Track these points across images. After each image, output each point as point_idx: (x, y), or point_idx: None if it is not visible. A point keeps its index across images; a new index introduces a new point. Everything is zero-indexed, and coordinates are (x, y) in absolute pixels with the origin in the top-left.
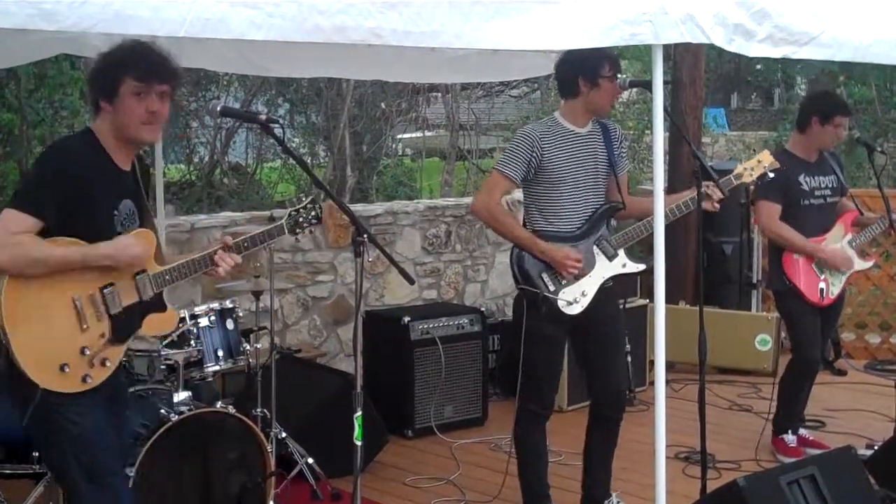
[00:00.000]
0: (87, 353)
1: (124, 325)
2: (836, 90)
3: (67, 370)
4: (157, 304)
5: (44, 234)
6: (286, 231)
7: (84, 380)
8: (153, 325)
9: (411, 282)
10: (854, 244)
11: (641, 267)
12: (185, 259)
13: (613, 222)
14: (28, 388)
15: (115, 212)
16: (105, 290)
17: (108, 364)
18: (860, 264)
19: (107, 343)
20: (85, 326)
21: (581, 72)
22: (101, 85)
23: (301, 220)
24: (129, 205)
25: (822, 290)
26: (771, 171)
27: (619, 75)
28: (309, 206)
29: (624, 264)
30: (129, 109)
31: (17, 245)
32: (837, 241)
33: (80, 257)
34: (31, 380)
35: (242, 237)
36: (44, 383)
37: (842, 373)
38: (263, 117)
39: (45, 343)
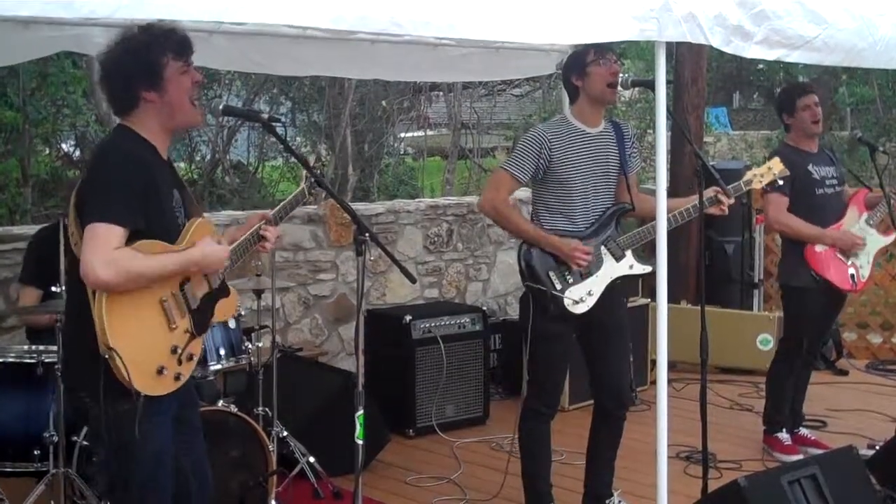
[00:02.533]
0: (178, 351)
1: (203, 316)
2: (837, 90)
3: (165, 372)
4: (223, 290)
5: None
6: (307, 194)
7: (177, 378)
8: (222, 310)
9: (413, 280)
10: (872, 222)
11: (648, 269)
12: (236, 243)
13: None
14: (125, 400)
15: (174, 204)
16: (184, 287)
17: (193, 358)
18: (883, 240)
19: (191, 337)
20: (173, 326)
21: (571, 71)
22: (144, 76)
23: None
24: (177, 194)
25: (852, 275)
26: (780, 178)
27: (620, 76)
28: (317, 164)
29: (631, 265)
30: (180, 89)
31: (120, 262)
32: (854, 222)
33: (175, 268)
34: (134, 390)
35: (276, 208)
36: (146, 390)
37: (843, 372)
38: (265, 116)
39: (144, 351)
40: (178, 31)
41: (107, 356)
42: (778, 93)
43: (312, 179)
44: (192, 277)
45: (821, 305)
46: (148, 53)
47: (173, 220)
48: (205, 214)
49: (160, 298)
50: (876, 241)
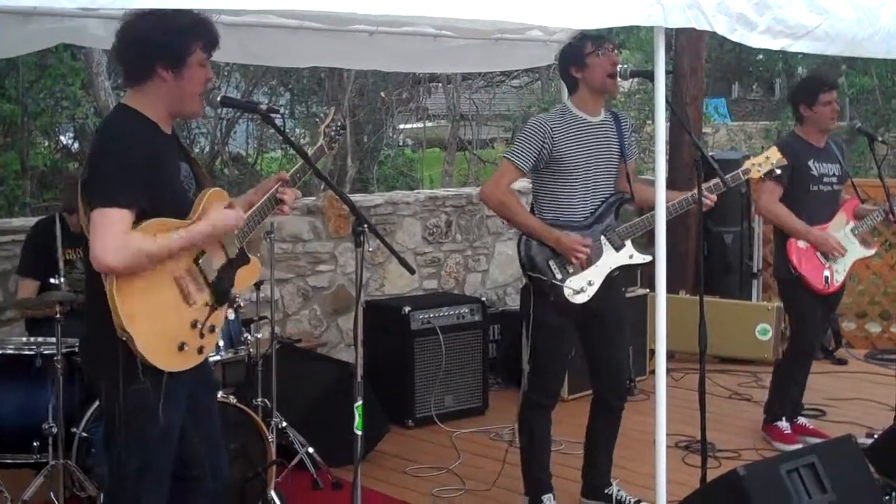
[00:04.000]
0: (198, 325)
1: (222, 287)
2: (836, 80)
3: (187, 348)
4: (243, 258)
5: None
6: (325, 150)
7: (200, 351)
8: (243, 279)
9: (412, 271)
10: (857, 232)
11: (648, 258)
12: (254, 208)
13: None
14: (146, 379)
15: (183, 176)
16: (200, 261)
17: (215, 330)
18: (862, 252)
19: (211, 310)
20: (191, 301)
21: (569, 62)
22: (167, 54)
23: (333, 133)
24: (185, 167)
25: (826, 277)
26: (778, 167)
27: (619, 66)
28: (334, 117)
29: (631, 255)
30: (195, 79)
31: (129, 246)
32: (840, 229)
33: (182, 244)
34: (156, 368)
35: (294, 169)
36: (169, 367)
37: (842, 362)
38: (264, 107)
39: (163, 329)
40: (215, 28)
41: (124, 338)
42: (799, 83)
43: (333, 132)
44: (208, 249)
45: (811, 298)
46: (181, 34)
47: (183, 193)
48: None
49: (175, 275)
50: (856, 251)
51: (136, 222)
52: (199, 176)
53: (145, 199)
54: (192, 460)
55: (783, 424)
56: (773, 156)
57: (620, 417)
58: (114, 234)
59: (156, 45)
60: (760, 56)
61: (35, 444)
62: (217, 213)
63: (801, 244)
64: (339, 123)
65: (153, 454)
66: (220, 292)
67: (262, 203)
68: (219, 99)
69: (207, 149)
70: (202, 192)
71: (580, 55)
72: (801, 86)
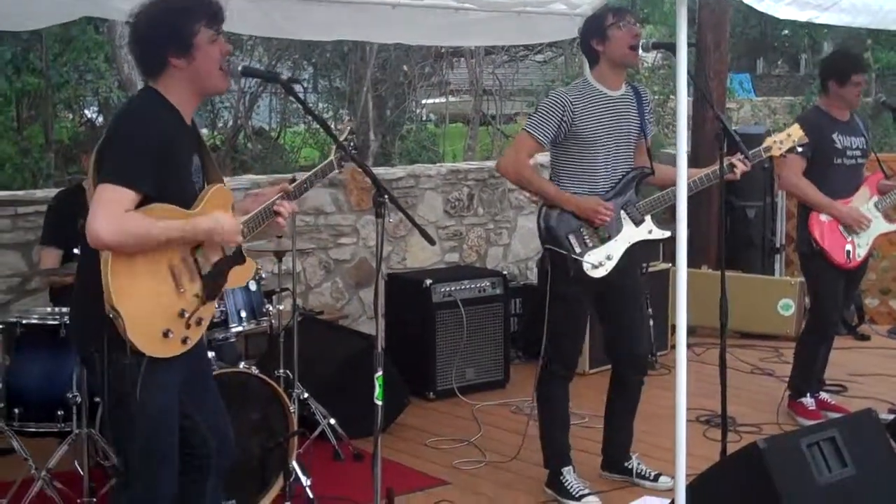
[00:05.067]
0: (185, 315)
1: (214, 282)
2: (862, 54)
3: (171, 335)
4: (239, 257)
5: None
6: (335, 167)
7: (184, 341)
8: (236, 277)
9: (432, 242)
10: (880, 207)
11: (667, 234)
12: (248, 216)
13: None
14: (128, 358)
15: (193, 169)
16: (197, 252)
17: (202, 323)
18: (886, 226)
19: (201, 302)
20: (182, 290)
21: (590, 34)
22: (173, 42)
23: (344, 153)
24: (196, 160)
25: (848, 251)
26: (800, 145)
27: (641, 41)
28: (348, 135)
29: (650, 230)
30: (209, 58)
31: (125, 224)
32: (863, 202)
33: (180, 234)
34: (138, 351)
35: (300, 179)
36: (151, 351)
37: (865, 338)
38: (284, 77)
39: (150, 312)
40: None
41: (111, 315)
42: (833, 58)
43: (348, 149)
44: (206, 243)
45: (833, 273)
46: (180, 19)
47: (190, 184)
48: (226, 179)
49: (169, 262)
50: (880, 226)
51: (139, 206)
52: (209, 170)
53: (152, 185)
54: (193, 441)
55: (808, 401)
56: (795, 133)
57: (640, 392)
58: (113, 211)
59: (159, 37)
60: (786, 31)
61: (59, 413)
62: (221, 218)
63: (824, 218)
64: (352, 143)
65: (151, 434)
66: (212, 286)
67: (257, 213)
68: (240, 69)
69: (231, 123)
70: (208, 187)
71: (601, 27)
72: (835, 62)
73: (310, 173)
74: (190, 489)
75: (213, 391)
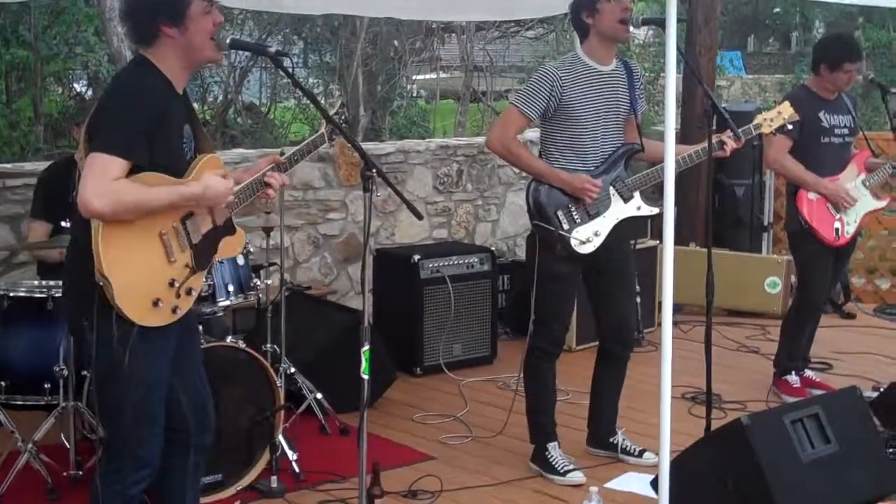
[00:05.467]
0: (175, 284)
1: (204, 252)
2: (854, 33)
3: (161, 305)
4: (229, 228)
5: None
6: (326, 139)
7: (174, 311)
8: (226, 248)
9: (419, 216)
10: (868, 184)
11: (656, 210)
12: (240, 186)
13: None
14: (118, 328)
15: (184, 138)
16: (186, 221)
17: (192, 293)
18: (874, 203)
19: (190, 272)
20: (172, 259)
21: (581, 7)
22: (167, 11)
23: (335, 125)
24: (188, 129)
25: (836, 229)
26: (790, 123)
27: (631, 17)
28: (339, 109)
29: (639, 207)
30: (201, 29)
31: (116, 192)
32: (851, 180)
33: (171, 200)
34: (128, 319)
35: (291, 151)
36: (140, 320)
37: (851, 316)
38: (273, 50)
39: (140, 281)
40: None
41: (101, 283)
42: (829, 41)
43: (339, 123)
44: (197, 212)
45: (822, 250)
46: None
47: (180, 154)
48: (216, 152)
49: (160, 231)
50: (867, 203)
51: (129, 174)
52: (200, 140)
53: (143, 154)
54: (174, 417)
55: (793, 378)
56: (786, 111)
57: (626, 367)
58: (104, 180)
59: (153, 6)
60: (777, 9)
61: (46, 386)
62: (211, 179)
63: (812, 196)
64: (343, 116)
65: (138, 402)
66: (202, 256)
67: (248, 184)
68: (228, 41)
69: (221, 97)
70: (199, 157)
71: (592, 0)
72: (830, 46)
73: (301, 145)
74: (170, 464)
75: (200, 367)
